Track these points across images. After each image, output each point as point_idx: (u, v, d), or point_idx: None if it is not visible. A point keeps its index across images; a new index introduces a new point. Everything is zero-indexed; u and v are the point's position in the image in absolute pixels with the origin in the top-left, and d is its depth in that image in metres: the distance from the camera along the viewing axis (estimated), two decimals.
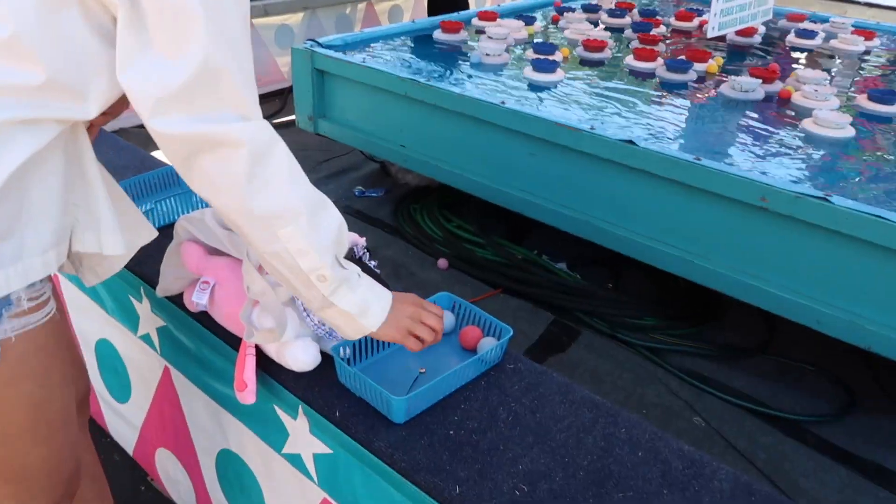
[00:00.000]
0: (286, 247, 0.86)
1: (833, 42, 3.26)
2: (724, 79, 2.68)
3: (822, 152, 2.15)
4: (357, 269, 0.95)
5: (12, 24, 0.77)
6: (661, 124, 2.28)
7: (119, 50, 0.79)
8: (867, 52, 3.24)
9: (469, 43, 3.09)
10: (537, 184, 2.29)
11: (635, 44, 3.09)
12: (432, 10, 4.36)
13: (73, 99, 0.83)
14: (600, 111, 2.37)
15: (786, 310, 1.83)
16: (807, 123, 2.28)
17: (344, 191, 3.15)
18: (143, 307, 1.36)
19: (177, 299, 1.25)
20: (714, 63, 2.81)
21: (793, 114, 2.42)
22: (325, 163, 3.38)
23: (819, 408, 1.99)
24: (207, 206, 1.22)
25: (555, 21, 3.57)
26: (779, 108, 2.48)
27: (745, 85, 2.51)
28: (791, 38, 3.30)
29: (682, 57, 2.84)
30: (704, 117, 2.43)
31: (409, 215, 2.87)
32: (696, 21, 3.53)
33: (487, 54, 2.77)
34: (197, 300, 1.13)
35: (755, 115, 2.40)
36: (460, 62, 2.82)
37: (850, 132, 2.24)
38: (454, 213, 2.85)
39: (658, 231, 2.04)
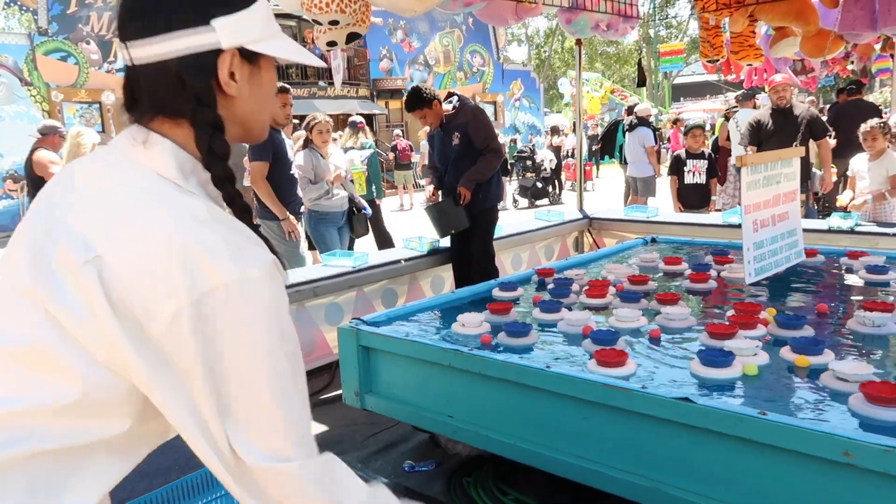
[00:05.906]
0: None
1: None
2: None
3: None
4: None
5: (80, 383, 0.86)
6: None
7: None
8: None
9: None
10: (595, 449, 2.15)
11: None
12: (460, 280, 4.61)
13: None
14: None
15: None
16: None
17: (393, 467, 3.02)
18: None
19: None
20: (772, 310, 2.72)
21: None
22: (372, 437, 3.30)
23: None
24: None
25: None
26: None
27: (878, 320, 2.47)
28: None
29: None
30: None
31: (462, 491, 2.70)
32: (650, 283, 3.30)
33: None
34: None
35: None
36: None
37: None
38: (511, 484, 2.66)
39: (739, 496, 1.84)
